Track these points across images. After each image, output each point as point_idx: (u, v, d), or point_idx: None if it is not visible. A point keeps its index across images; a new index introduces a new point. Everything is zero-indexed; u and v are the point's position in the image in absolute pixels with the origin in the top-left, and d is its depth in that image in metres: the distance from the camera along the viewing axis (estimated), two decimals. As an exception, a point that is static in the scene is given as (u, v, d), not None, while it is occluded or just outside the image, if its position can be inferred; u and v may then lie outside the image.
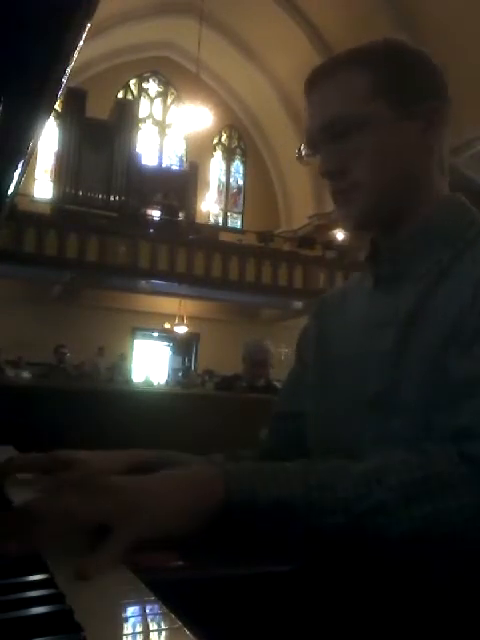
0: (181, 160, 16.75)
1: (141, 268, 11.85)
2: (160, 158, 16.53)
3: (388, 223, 0.80)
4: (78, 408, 2.59)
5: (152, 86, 16.76)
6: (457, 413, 0.64)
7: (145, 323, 14.06)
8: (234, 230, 16.37)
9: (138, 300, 13.29)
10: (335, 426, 0.80)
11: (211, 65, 15.06)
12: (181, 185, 15.01)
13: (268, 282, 12.81)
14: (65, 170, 13.82)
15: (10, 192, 0.76)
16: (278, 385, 3.45)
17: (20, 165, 0.70)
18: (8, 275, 11.07)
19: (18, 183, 0.74)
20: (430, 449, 0.62)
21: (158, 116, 16.78)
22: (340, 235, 14.14)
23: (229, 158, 17.36)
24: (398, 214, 0.79)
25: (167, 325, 14.21)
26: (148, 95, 16.73)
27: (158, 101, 16.84)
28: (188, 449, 0.84)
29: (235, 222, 17.21)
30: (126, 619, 0.45)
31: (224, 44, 14.49)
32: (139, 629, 0.44)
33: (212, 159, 17.06)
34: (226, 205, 17.21)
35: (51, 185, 14.56)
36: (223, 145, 17.34)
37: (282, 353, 5.83)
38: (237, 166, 17.44)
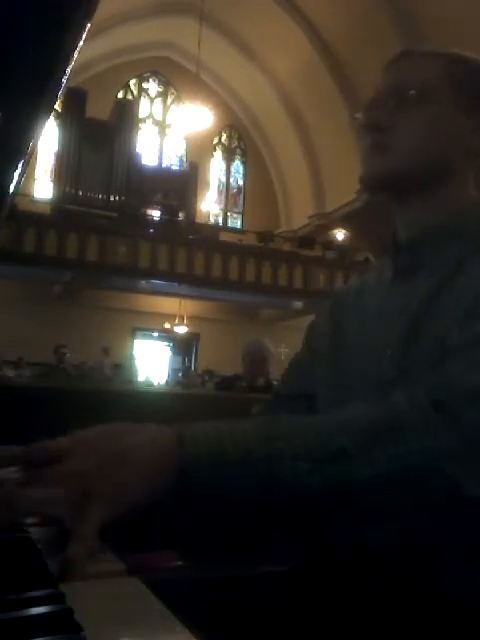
0: (181, 160, 16.76)
1: (141, 268, 11.85)
2: (160, 158, 16.54)
3: (405, 198, 0.83)
4: (78, 408, 2.59)
5: (152, 86, 16.78)
6: (439, 371, 0.65)
7: (145, 323, 14.07)
8: (234, 230, 16.37)
9: (138, 300, 13.30)
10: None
11: (211, 65, 15.07)
12: (181, 185, 15.03)
13: (268, 282, 12.81)
14: (65, 170, 13.84)
15: (10, 192, 0.76)
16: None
17: (20, 165, 0.70)
18: (8, 275, 11.09)
19: (18, 183, 0.74)
20: (397, 399, 0.62)
21: (158, 116, 16.80)
22: (340, 235, 14.17)
23: (229, 158, 17.37)
24: (420, 196, 0.82)
25: (167, 325, 14.22)
26: (148, 95, 16.74)
27: (158, 101, 16.85)
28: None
29: (235, 222, 17.22)
30: (126, 619, 0.45)
31: (224, 44, 14.51)
32: (139, 629, 0.44)
33: (212, 159, 17.07)
34: (226, 205, 17.22)
35: (51, 185, 14.58)
36: (223, 145, 17.35)
37: (282, 353, 5.84)
38: (237, 166, 17.45)
